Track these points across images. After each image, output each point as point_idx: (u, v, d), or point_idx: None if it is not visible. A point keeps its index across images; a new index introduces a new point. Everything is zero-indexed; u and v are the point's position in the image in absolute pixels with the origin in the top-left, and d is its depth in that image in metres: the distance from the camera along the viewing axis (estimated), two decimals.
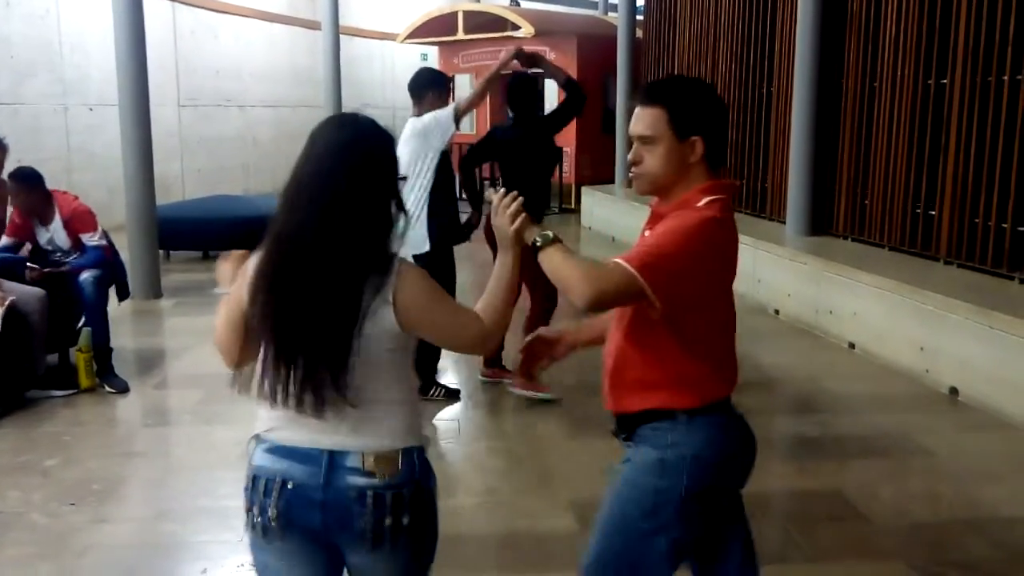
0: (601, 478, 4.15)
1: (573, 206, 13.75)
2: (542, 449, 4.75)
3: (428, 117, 4.99)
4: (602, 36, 13.71)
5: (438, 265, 5.00)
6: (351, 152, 1.82)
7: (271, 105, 16.31)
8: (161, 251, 9.96)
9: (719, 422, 2.12)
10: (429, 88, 5.15)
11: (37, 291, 5.20)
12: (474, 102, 5.03)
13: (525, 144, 5.37)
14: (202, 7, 14.46)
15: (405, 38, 15.73)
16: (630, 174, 2.11)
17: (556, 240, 1.98)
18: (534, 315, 5.33)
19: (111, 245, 5.72)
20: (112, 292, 5.74)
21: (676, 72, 11.06)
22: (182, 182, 13.91)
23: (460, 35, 14.83)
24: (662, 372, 2.06)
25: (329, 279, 1.76)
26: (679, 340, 2.02)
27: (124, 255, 7.68)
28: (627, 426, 2.14)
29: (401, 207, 1.87)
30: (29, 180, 5.42)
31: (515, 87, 5.45)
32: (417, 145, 4.96)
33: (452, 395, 5.31)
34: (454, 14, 14.90)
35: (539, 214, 5.62)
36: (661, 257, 1.92)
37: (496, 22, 14.42)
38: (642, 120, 2.03)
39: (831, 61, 7.59)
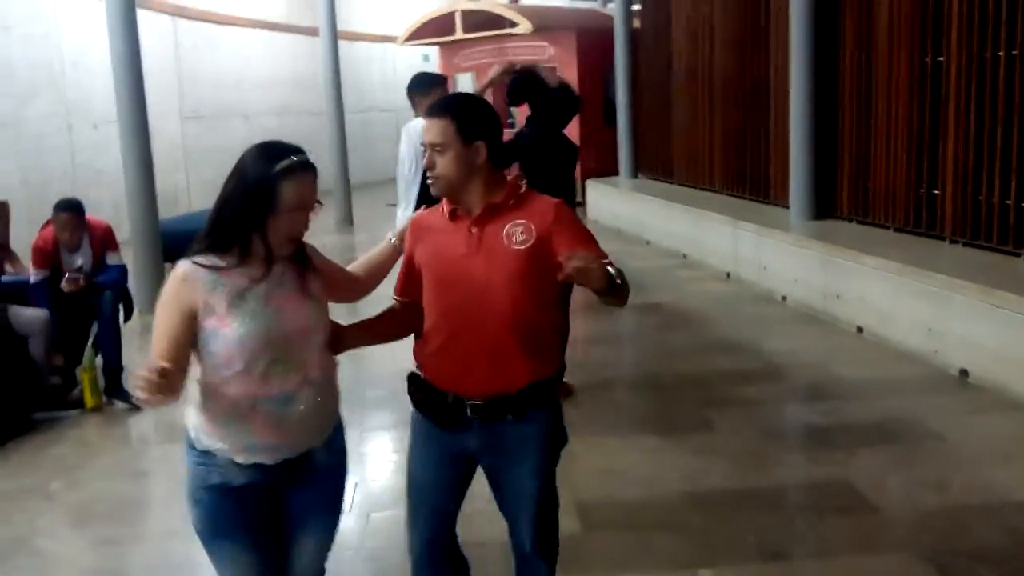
0: (606, 477, 4.15)
1: (580, 199, 13.69)
2: None
3: (418, 122, 5.01)
4: (601, 29, 13.62)
5: None
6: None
7: (275, 113, 16.33)
8: (167, 264, 10.06)
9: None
10: (424, 91, 5.10)
11: (40, 312, 5.23)
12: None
13: (540, 143, 5.37)
14: (202, 20, 14.49)
15: (405, 40, 15.71)
16: (428, 180, 2.32)
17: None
18: None
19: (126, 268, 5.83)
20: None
21: (673, 62, 11.00)
22: (188, 194, 13.95)
23: (459, 35, 14.79)
24: (553, 338, 2.40)
25: None
26: (554, 312, 2.40)
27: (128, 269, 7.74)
28: (518, 403, 2.33)
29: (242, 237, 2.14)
30: (78, 210, 5.48)
31: (515, 89, 5.42)
32: (411, 148, 5.02)
33: None
34: (452, 14, 14.85)
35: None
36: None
37: (494, 20, 14.36)
38: (432, 130, 2.28)
39: (827, 43, 7.51)
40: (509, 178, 2.37)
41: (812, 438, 4.62)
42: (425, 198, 5.18)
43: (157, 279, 8.08)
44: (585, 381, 5.56)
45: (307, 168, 2.11)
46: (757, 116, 8.97)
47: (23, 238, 6.35)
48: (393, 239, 2.53)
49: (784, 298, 7.30)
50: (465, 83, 15.56)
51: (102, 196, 11.33)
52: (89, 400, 5.31)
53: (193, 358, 2.12)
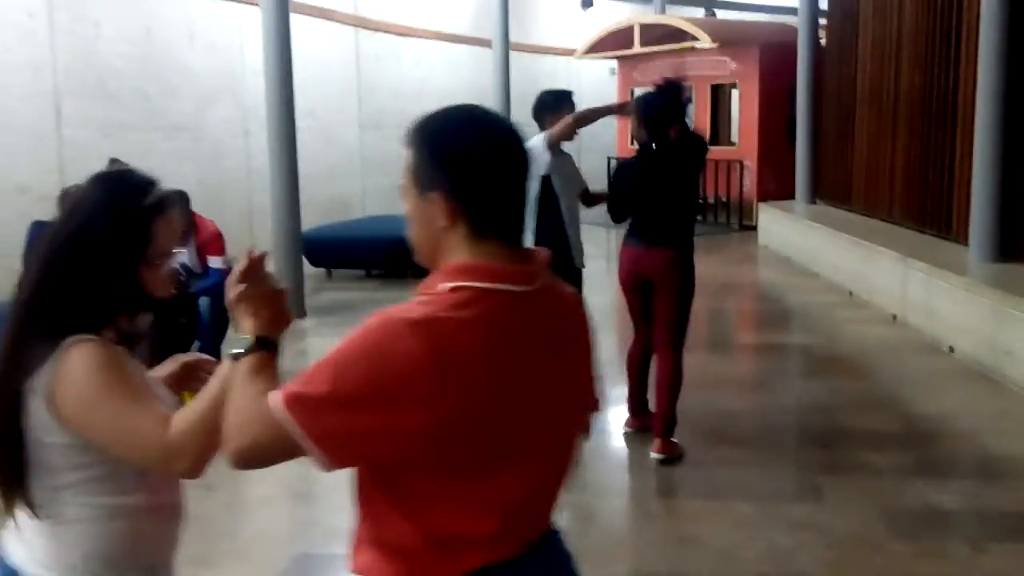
0: (678, 547, 3.68)
1: (754, 223, 12.94)
2: (621, 509, 4.29)
3: (531, 143, 4.84)
4: (788, 44, 12.80)
5: None
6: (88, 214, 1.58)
7: None
8: (324, 269, 10.27)
9: None
10: (543, 112, 4.96)
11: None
12: (561, 136, 4.74)
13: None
14: (386, 31, 14.86)
15: (584, 53, 15.49)
16: None
17: (260, 349, 1.42)
18: (635, 352, 4.92)
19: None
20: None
21: (857, 80, 10.11)
22: (363, 201, 14.31)
23: (637, 48, 14.38)
24: (370, 530, 1.44)
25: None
26: (390, 496, 1.39)
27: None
28: None
29: (142, 299, 1.60)
30: (184, 201, 5.63)
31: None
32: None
33: None
34: (630, 28, 14.49)
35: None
36: (321, 390, 1.28)
37: (674, 34, 13.86)
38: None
39: (1021, 58, 6.56)
40: (489, 261, 1.39)
41: (937, 524, 3.91)
42: (543, 234, 4.86)
43: (297, 285, 8.24)
44: (692, 429, 5.06)
45: (183, 205, 1.77)
46: (941, 141, 8.03)
47: None
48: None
49: (951, 349, 6.43)
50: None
51: None
52: None
53: (82, 476, 1.56)
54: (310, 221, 11.40)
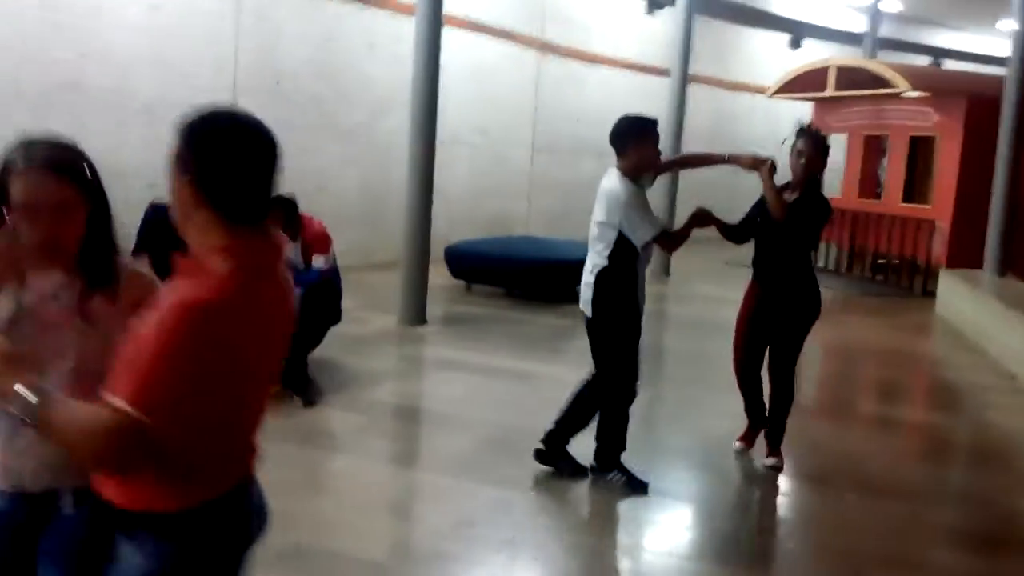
0: None
1: (931, 290, 11.86)
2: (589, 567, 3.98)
3: (615, 187, 4.36)
4: (1000, 98, 11.69)
5: (600, 335, 4.47)
6: None
7: None
8: (464, 282, 10.32)
9: (209, 521, 1.76)
10: (628, 139, 4.40)
11: None
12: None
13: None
14: (570, 57, 14.91)
15: (774, 93, 14.86)
16: None
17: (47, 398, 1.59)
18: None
19: (336, 270, 6.04)
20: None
21: None
22: (527, 221, 14.39)
23: (830, 91, 13.62)
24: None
25: None
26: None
27: (397, 281, 8.09)
28: (116, 516, 1.75)
29: None
30: (286, 207, 5.90)
31: None
32: (601, 206, 4.41)
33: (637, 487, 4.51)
34: (826, 69, 13.74)
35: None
36: (151, 380, 1.57)
37: (872, 79, 13.00)
38: None
39: None
40: (254, 241, 1.79)
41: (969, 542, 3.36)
42: (614, 277, 4.40)
43: (419, 293, 8.30)
44: (766, 497, 4.65)
45: (41, 168, 1.84)
46: None
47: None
48: None
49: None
50: (837, 143, 14.27)
51: (438, 211, 12.01)
52: None
53: None
54: (467, 234, 11.53)
